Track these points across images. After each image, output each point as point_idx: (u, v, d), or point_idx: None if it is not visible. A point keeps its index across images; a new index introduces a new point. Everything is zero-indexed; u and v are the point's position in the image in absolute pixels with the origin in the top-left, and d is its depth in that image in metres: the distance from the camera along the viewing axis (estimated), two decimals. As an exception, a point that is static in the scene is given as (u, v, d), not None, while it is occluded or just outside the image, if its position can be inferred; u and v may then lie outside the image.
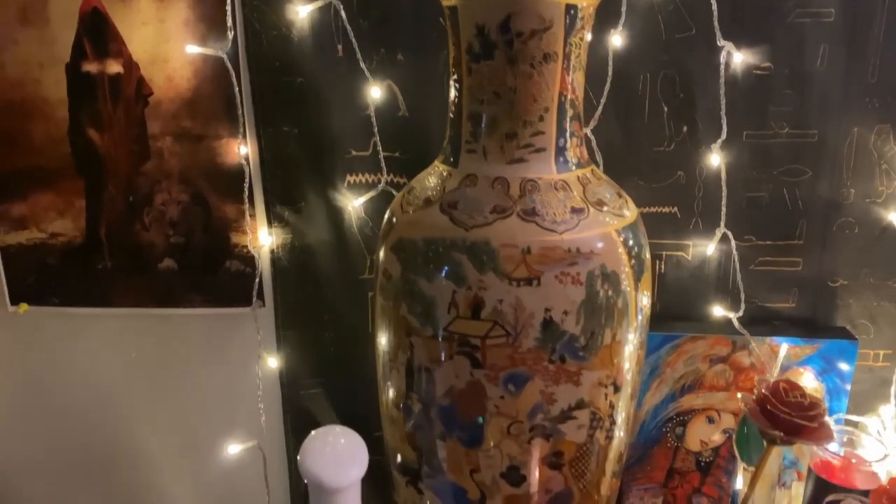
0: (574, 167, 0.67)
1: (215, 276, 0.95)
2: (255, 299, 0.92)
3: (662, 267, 0.91)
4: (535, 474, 0.67)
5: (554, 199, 0.64)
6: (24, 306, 0.97)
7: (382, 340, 0.71)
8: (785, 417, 0.63)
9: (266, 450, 0.94)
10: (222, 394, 0.99)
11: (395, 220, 0.70)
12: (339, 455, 0.65)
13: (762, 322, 0.91)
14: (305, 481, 0.65)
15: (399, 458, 0.74)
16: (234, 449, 0.90)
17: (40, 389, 1.01)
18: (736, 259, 0.85)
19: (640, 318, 0.69)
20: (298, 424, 0.98)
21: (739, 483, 0.89)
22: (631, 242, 0.66)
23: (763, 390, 0.65)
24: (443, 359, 0.65)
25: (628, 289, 0.66)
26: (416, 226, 0.67)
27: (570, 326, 0.63)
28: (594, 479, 0.70)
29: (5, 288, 0.96)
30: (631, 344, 0.68)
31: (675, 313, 0.92)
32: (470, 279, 0.63)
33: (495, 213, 0.63)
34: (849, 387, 0.88)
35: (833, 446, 0.78)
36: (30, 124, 0.90)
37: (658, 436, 0.93)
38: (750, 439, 0.69)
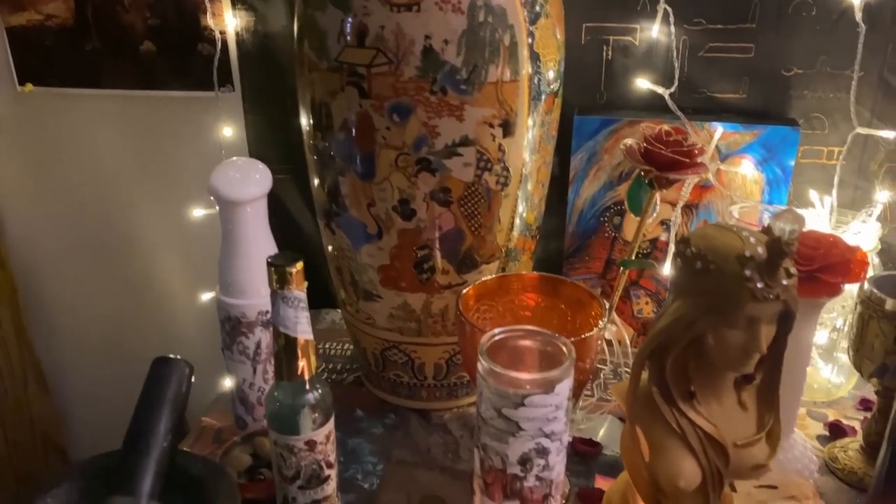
0: None
1: (190, 60, 1.02)
2: (215, 79, 0.97)
3: (609, 53, 0.90)
4: (423, 209, 0.72)
5: (443, -69, 0.65)
6: (28, 86, 1.08)
7: (300, 89, 0.76)
8: (659, 152, 0.63)
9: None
10: (197, 169, 1.07)
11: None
12: (241, 176, 0.71)
13: (711, 113, 0.89)
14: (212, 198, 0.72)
15: (319, 205, 0.81)
16: (198, 213, 0.99)
17: (46, 165, 1.14)
18: (674, 35, 0.83)
19: (542, 91, 0.71)
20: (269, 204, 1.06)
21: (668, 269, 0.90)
22: (525, -18, 0.67)
23: (646, 134, 0.66)
24: (336, 91, 0.69)
25: (518, 30, 0.67)
26: (317, -38, 0.70)
27: (451, 57, 0.65)
28: (487, 223, 0.74)
29: (13, 68, 1.07)
30: (534, 106, 0.70)
31: (621, 103, 0.92)
32: (355, 6, 0.65)
33: (382, -59, 0.65)
34: (790, 178, 0.86)
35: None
36: None
37: (596, 225, 0.94)
38: (640, 192, 0.70)
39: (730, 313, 0.51)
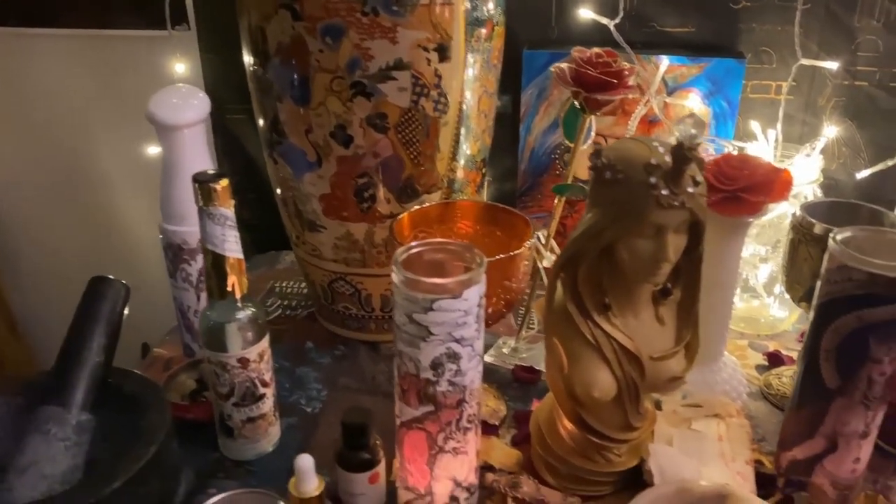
0: None
1: (146, -2, 1.01)
2: (167, 16, 0.97)
3: (560, -12, 0.89)
4: (360, 135, 0.72)
5: None
6: (-14, 26, 1.08)
7: (239, 17, 0.76)
8: (587, 73, 0.63)
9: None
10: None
11: None
12: (180, 102, 0.72)
13: (660, 47, 0.88)
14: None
15: (262, 135, 0.81)
16: (155, 150, 0.99)
17: (4, 105, 1.14)
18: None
19: (479, 17, 0.71)
20: (226, 144, 1.07)
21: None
22: None
23: (577, 56, 0.66)
24: (270, 14, 0.69)
25: (450, -48, 0.67)
26: None
27: (382, -22, 0.65)
28: (426, 151, 0.74)
29: (-31, 12, 1.07)
30: (471, 32, 0.70)
31: (572, 38, 0.91)
32: (285, -74, 0.65)
33: None
34: (737, 112, 0.86)
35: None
36: None
37: (547, 163, 0.95)
38: (573, 117, 0.70)
39: (637, 221, 0.52)
